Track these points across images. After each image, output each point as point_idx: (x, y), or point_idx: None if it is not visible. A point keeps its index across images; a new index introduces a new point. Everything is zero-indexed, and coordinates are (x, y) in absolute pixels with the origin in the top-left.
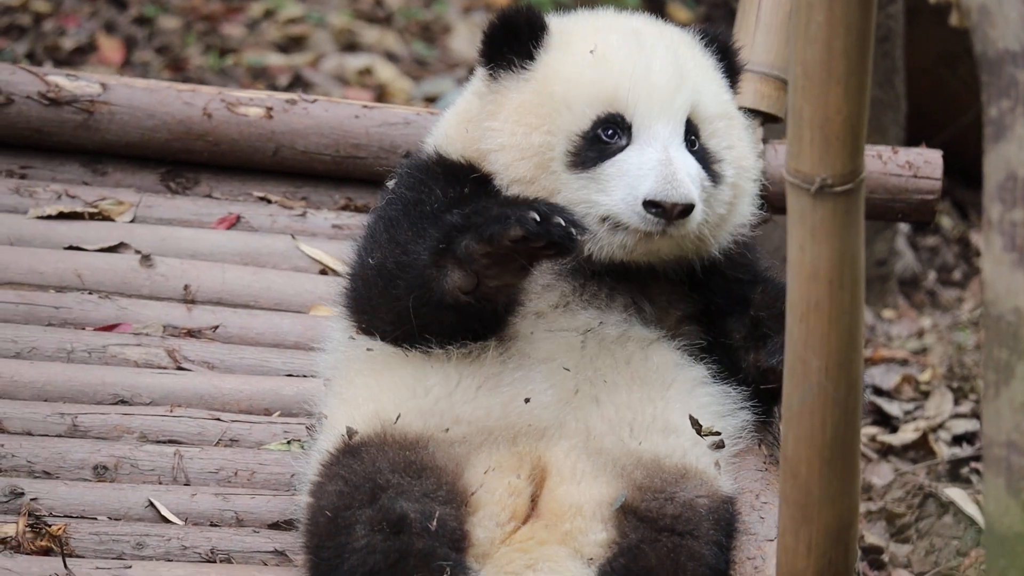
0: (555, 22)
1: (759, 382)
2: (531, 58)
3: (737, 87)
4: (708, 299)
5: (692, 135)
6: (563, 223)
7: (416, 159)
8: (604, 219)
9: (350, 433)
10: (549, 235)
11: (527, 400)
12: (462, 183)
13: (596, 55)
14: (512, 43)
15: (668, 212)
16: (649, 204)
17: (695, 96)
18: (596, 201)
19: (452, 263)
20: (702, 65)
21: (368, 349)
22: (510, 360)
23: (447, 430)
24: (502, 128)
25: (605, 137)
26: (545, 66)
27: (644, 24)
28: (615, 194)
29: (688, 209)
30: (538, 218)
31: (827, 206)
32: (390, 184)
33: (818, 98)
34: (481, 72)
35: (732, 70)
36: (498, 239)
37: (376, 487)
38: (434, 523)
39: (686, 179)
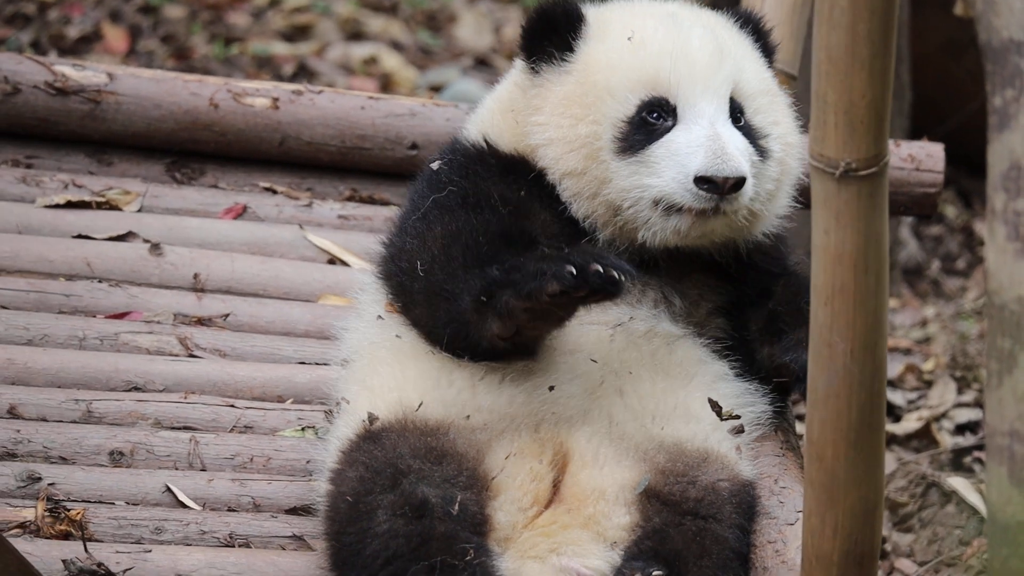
0: (591, 12)
1: (772, 376)
2: (571, 50)
3: (772, 67)
4: (738, 290)
5: (737, 112)
6: (601, 270)
7: (466, 146)
8: (657, 202)
9: (371, 419)
10: (588, 285)
11: (551, 388)
12: (518, 184)
13: (635, 40)
14: (551, 36)
15: (720, 187)
16: (701, 180)
17: (736, 73)
18: (648, 184)
19: (492, 314)
20: (740, 43)
21: (396, 336)
22: (538, 354)
23: (468, 417)
24: (548, 122)
25: (651, 120)
26: (585, 56)
27: (679, 8)
28: (666, 174)
29: (740, 183)
30: (574, 271)
31: (851, 190)
32: (436, 166)
33: (842, 83)
34: (521, 65)
35: (767, 50)
36: (537, 295)
37: (397, 472)
38: (455, 507)
39: (735, 153)
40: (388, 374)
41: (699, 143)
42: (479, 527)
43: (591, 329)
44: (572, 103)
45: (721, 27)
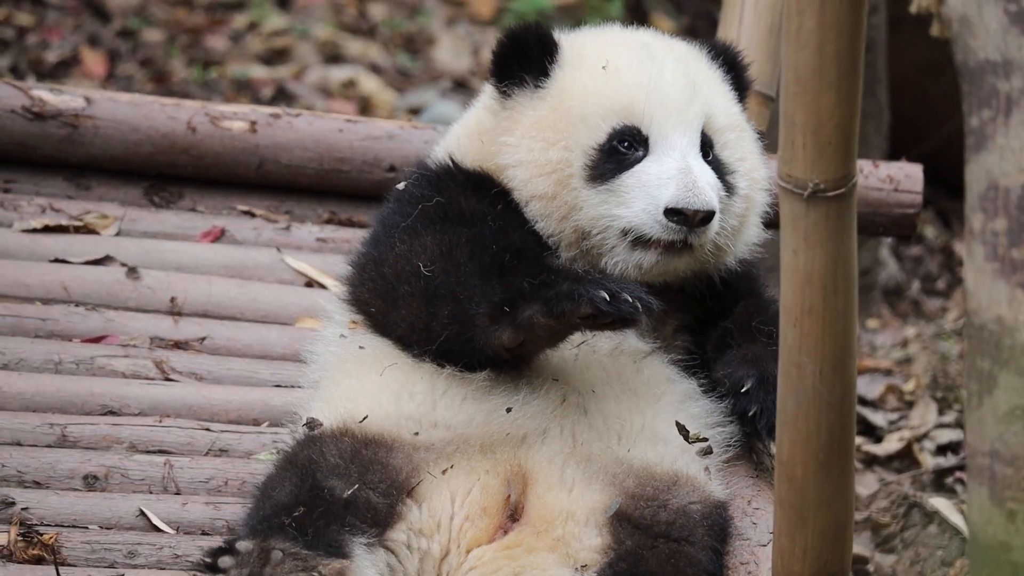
0: (565, 39)
1: (727, 395)
2: (544, 75)
3: (746, 101)
4: (703, 308)
5: (707, 146)
6: (630, 299)
7: (428, 167)
8: (625, 232)
9: (312, 424)
10: (619, 312)
11: (508, 410)
12: (488, 198)
13: (609, 69)
14: (523, 60)
15: (690, 219)
16: (671, 212)
17: (707, 107)
18: (617, 215)
19: (508, 324)
20: (711, 77)
21: (360, 347)
22: (501, 374)
23: (416, 433)
24: (519, 144)
25: (622, 149)
26: (559, 82)
27: (652, 38)
28: (635, 205)
29: (709, 216)
30: (608, 297)
31: (820, 211)
32: (402, 186)
33: (810, 103)
34: (490, 88)
35: (740, 84)
36: (568, 316)
37: (312, 464)
38: (348, 494)
39: (706, 186)
40: (347, 386)
41: (670, 175)
42: (376, 518)
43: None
44: (544, 128)
45: (693, 59)
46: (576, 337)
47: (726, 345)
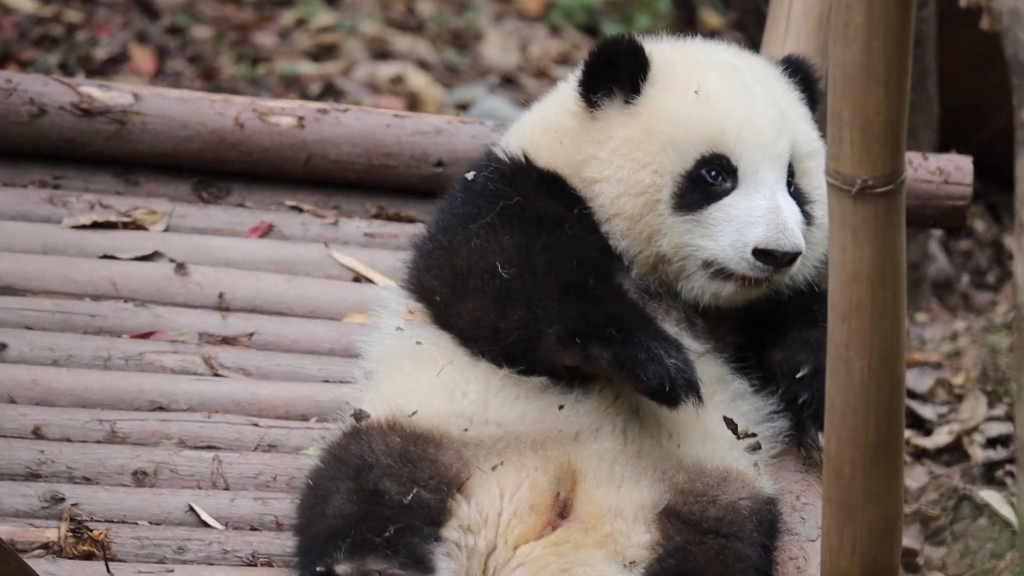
0: (656, 53)
1: (780, 379)
2: (635, 91)
3: (816, 111)
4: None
5: (789, 176)
6: (686, 384)
7: (501, 160)
8: (708, 264)
9: (359, 416)
10: (673, 390)
11: (561, 407)
12: (564, 202)
13: (701, 94)
14: (614, 74)
15: (778, 260)
16: (759, 253)
17: (793, 137)
18: (702, 246)
19: (576, 352)
20: (793, 101)
21: (417, 343)
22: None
23: (465, 430)
24: (609, 160)
25: (709, 178)
26: (651, 102)
27: (738, 58)
28: (722, 240)
29: (796, 256)
30: (672, 374)
31: (868, 207)
32: (472, 176)
33: (858, 100)
34: (571, 91)
35: (813, 100)
36: (631, 377)
37: (364, 465)
38: (408, 499)
39: (795, 227)
40: (400, 382)
41: (760, 214)
42: (433, 517)
43: None
44: (635, 148)
45: (778, 83)
46: None
47: (786, 328)
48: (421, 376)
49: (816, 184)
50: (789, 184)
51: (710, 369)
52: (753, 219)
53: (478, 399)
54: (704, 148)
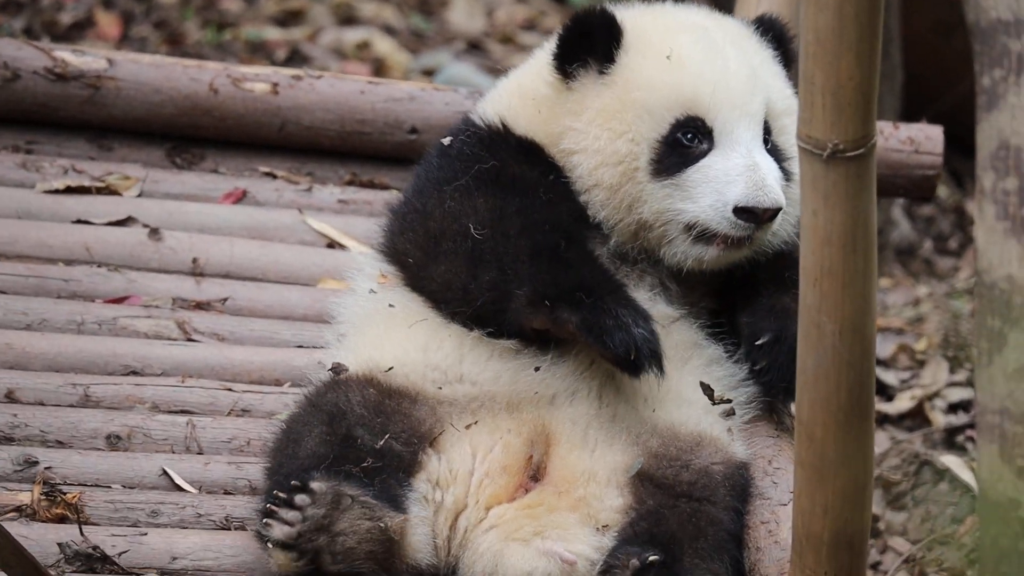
0: (627, 20)
1: (743, 344)
2: (610, 60)
3: (790, 72)
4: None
5: (765, 134)
6: (651, 353)
7: (478, 125)
8: (690, 227)
9: (337, 369)
10: (639, 357)
11: (536, 369)
12: (541, 168)
13: (673, 59)
14: (588, 45)
15: (759, 217)
16: (740, 211)
17: (767, 94)
18: (683, 209)
19: (544, 315)
20: (766, 60)
21: (390, 305)
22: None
23: (440, 388)
24: (585, 131)
25: (685, 141)
26: (625, 70)
27: (710, 20)
28: (702, 201)
29: (776, 212)
30: (638, 342)
31: (839, 171)
32: (449, 141)
33: (830, 64)
34: (547, 60)
35: (787, 58)
36: (597, 342)
37: (338, 412)
38: (380, 443)
39: (774, 183)
40: (375, 336)
41: (738, 172)
42: (404, 467)
43: None
44: (611, 117)
45: (749, 43)
46: None
47: (757, 293)
48: (395, 331)
49: (793, 141)
50: (766, 142)
51: (684, 334)
52: (732, 178)
53: (452, 354)
54: (679, 112)
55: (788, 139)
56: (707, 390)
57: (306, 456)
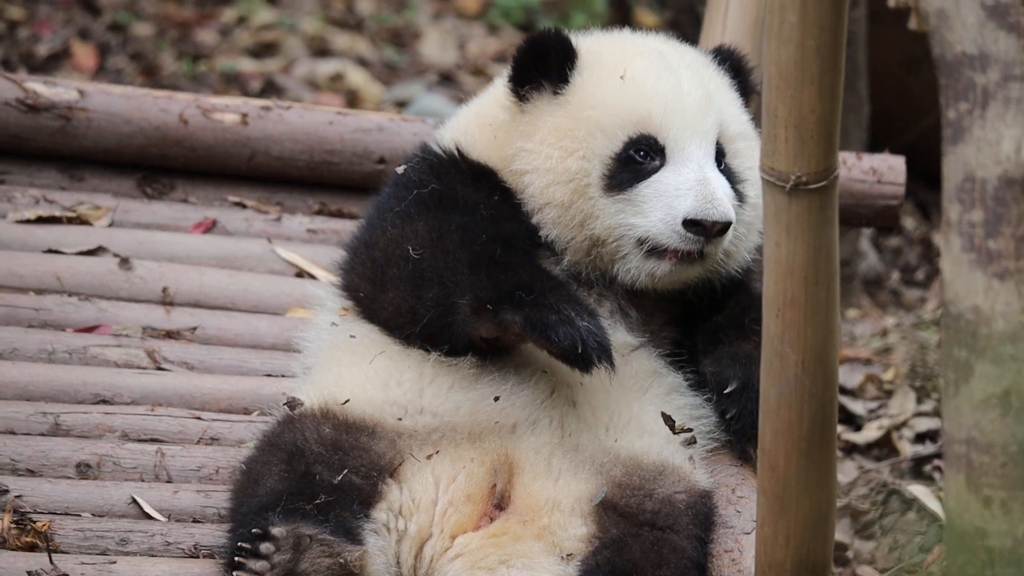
0: (583, 44)
1: (710, 392)
2: (564, 81)
3: (750, 104)
4: (693, 303)
5: (719, 155)
6: (598, 346)
7: (433, 152)
8: (641, 242)
9: (292, 404)
10: (586, 352)
11: (496, 399)
12: (490, 190)
13: (627, 79)
14: (543, 66)
15: (708, 230)
16: (689, 223)
17: (721, 117)
18: (633, 224)
19: (489, 321)
20: (722, 85)
21: (351, 336)
22: (488, 363)
23: (400, 419)
24: (537, 151)
25: (638, 158)
26: (578, 90)
27: (665, 45)
28: (653, 215)
29: (726, 227)
30: (584, 336)
31: (802, 203)
32: (402, 169)
33: (792, 98)
34: (503, 86)
35: (745, 88)
36: (544, 336)
37: (296, 451)
38: (338, 479)
39: (724, 197)
40: (336, 372)
41: (689, 186)
42: (363, 498)
43: None
44: (563, 136)
45: (705, 68)
46: None
47: (718, 340)
48: (355, 368)
49: (748, 164)
50: (720, 163)
51: (645, 363)
52: (682, 192)
53: (412, 388)
54: (631, 130)
55: (743, 162)
56: (668, 420)
57: (264, 494)
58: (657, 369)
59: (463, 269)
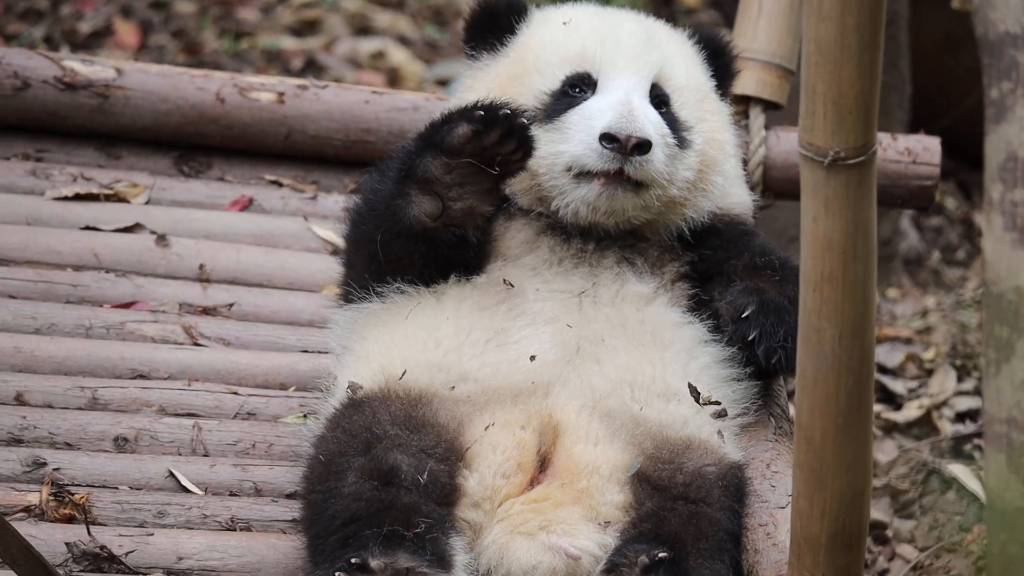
0: (537, 10)
1: (728, 324)
2: (513, 34)
3: (729, 89)
4: (700, 260)
5: (662, 100)
6: (509, 110)
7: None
8: (569, 168)
9: (354, 388)
10: (497, 121)
11: (532, 358)
12: None
13: (569, 25)
14: (493, 27)
15: (623, 145)
16: (605, 138)
17: (663, 61)
18: (560, 150)
19: (415, 188)
20: (679, 44)
21: (380, 302)
22: (518, 318)
23: (453, 388)
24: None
25: (572, 93)
26: (522, 38)
27: (631, 14)
28: (575, 138)
29: (643, 145)
30: (483, 113)
31: (840, 178)
32: None
33: (831, 74)
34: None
35: (724, 72)
36: (450, 143)
37: (373, 437)
38: (424, 476)
39: (642, 117)
40: (374, 338)
41: (609, 106)
42: (447, 497)
43: (559, 296)
44: (502, 78)
45: (662, 28)
46: (576, 285)
47: (730, 281)
48: (393, 331)
49: (697, 116)
50: (661, 107)
51: (662, 315)
52: (603, 111)
53: (451, 347)
54: (567, 68)
55: (691, 112)
56: (694, 392)
57: (351, 497)
58: (675, 320)
59: (380, 181)
